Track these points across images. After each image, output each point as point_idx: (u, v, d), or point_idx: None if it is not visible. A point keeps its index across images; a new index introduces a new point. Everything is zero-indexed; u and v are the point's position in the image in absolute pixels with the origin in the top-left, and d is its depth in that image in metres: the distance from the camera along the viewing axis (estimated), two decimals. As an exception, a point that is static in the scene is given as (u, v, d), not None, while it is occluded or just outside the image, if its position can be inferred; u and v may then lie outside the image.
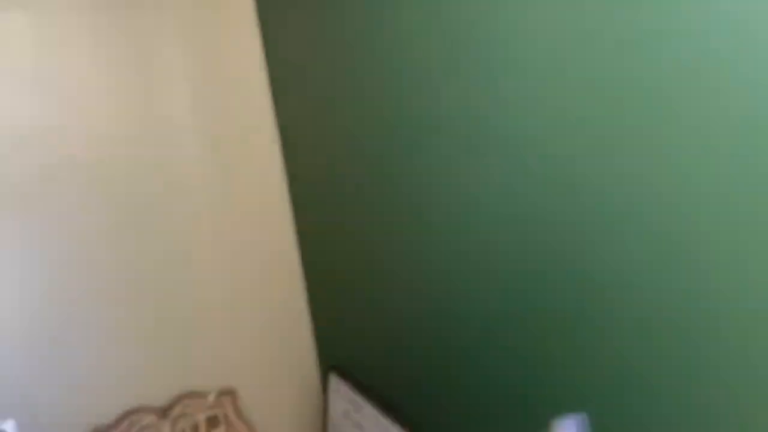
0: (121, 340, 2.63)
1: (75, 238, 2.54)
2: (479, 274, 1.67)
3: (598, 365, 1.37)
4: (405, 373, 2.18)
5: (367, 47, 1.97)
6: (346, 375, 2.66)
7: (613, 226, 1.31)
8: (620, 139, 1.27)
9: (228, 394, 2.78)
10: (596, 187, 1.31)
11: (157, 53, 2.62)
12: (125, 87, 2.59)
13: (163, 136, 2.66)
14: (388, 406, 2.32)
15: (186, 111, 2.68)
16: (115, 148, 2.59)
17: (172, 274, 2.70)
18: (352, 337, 2.56)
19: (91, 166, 2.55)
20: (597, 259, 1.33)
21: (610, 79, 1.26)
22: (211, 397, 2.75)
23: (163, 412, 2.68)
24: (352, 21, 2.03)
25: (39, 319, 2.50)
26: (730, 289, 1.16)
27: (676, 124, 1.18)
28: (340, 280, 2.56)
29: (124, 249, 2.62)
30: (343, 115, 2.22)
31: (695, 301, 1.23)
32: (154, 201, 2.65)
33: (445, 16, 1.56)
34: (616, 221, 1.31)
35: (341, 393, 2.64)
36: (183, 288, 2.72)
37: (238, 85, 2.77)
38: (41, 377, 2.52)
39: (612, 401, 1.35)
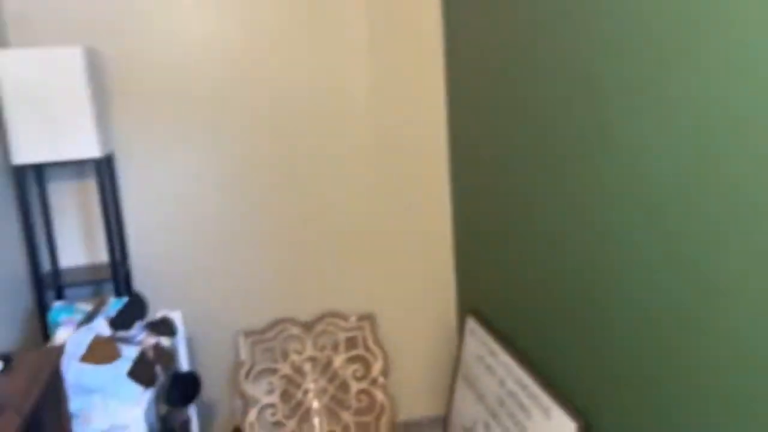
0: (279, 256, 2.82)
1: (246, 150, 2.73)
2: (634, 244, 1.58)
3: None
4: (543, 327, 2.15)
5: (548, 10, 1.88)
6: (483, 320, 2.68)
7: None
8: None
9: (368, 319, 2.90)
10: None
11: (336, -18, 2.68)
12: (305, 20, 2.68)
13: (338, 65, 2.74)
14: (523, 356, 2.31)
15: (362, 45, 2.73)
16: (292, 70, 2.71)
17: (334, 199, 2.82)
18: (493, 284, 2.56)
19: (267, 82, 2.70)
20: None
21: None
22: (352, 319, 2.89)
23: (308, 326, 2.86)
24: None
25: (212, 224, 2.74)
26: None
27: None
28: (488, 228, 2.55)
29: (288, 166, 2.77)
30: (513, 74, 2.16)
31: None
32: (321, 125, 2.76)
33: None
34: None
35: (477, 336, 2.67)
36: (341, 216, 2.84)
37: (413, 28, 2.77)
38: (207, 278, 2.77)
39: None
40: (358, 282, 2.91)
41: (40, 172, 2.52)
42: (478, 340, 2.65)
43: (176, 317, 2.22)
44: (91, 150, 2.29)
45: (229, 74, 2.65)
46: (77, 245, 2.63)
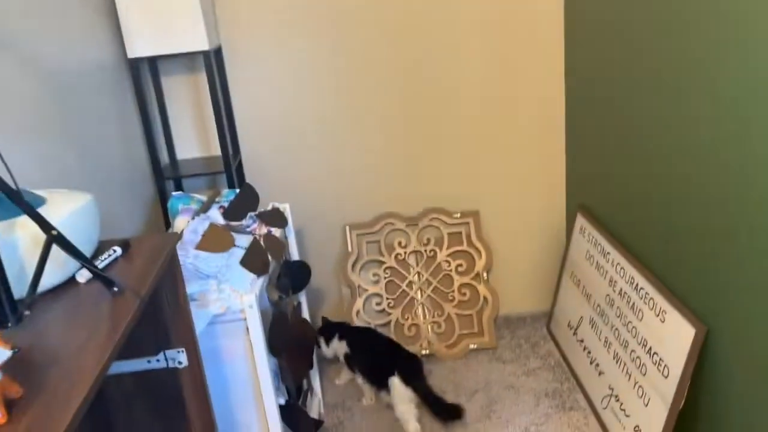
0: (385, 152, 2.80)
1: (356, 43, 2.66)
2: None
3: None
4: (659, 226, 2.02)
5: None
6: (594, 217, 2.57)
7: None
8: None
9: (472, 215, 2.86)
10: None
11: None
12: None
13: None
14: (636, 256, 2.21)
15: None
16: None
17: (443, 94, 2.73)
18: (605, 180, 2.42)
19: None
20: None
21: None
22: (456, 215, 2.87)
23: (413, 221, 2.87)
24: None
25: (321, 120, 2.74)
26: None
27: None
28: (601, 118, 2.38)
29: (398, 59, 2.69)
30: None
31: None
32: (438, 17, 2.63)
33: None
34: None
35: (587, 234, 2.57)
36: (449, 111, 2.76)
37: None
38: (315, 173, 2.81)
39: None
40: (463, 178, 2.86)
41: (154, 65, 2.59)
42: (588, 238, 2.56)
43: (286, 209, 2.28)
44: (200, 42, 2.30)
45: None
46: (192, 138, 2.73)
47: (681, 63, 1.82)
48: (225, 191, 2.20)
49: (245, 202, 2.09)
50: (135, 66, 2.33)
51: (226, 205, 2.07)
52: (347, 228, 2.86)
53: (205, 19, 2.31)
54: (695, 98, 1.76)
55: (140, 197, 2.33)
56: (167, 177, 2.49)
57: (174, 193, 2.17)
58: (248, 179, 2.79)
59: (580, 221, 2.66)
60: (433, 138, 2.79)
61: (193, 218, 1.99)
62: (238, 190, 2.13)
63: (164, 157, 2.69)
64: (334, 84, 2.70)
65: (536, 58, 2.71)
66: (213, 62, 2.37)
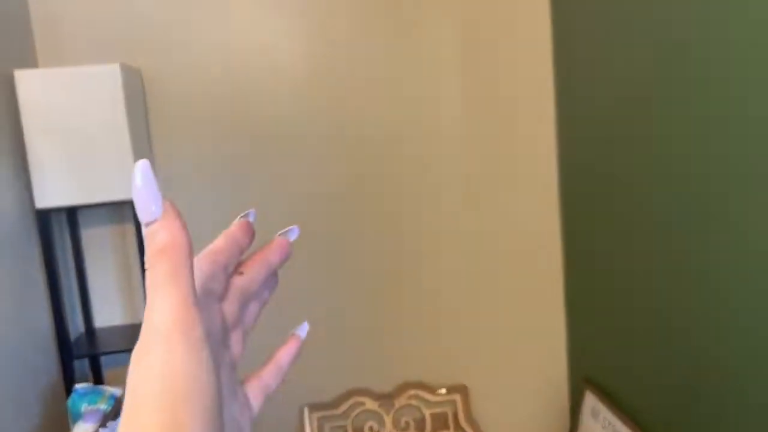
0: (352, 315, 2.33)
1: (312, 188, 2.27)
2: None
3: None
4: (684, 409, 1.60)
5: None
6: (606, 394, 2.11)
7: None
8: None
9: (459, 391, 2.37)
10: None
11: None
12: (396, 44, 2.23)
13: (426, 90, 2.27)
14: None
15: (454, 64, 2.25)
16: (371, 96, 2.25)
17: (419, 247, 2.33)
18: (618, 353, 2.01)
19: (338, 109, 2.25)
20: None
21: None
22: (441, 391, 2.37)
23: (388, 399, 2.35)
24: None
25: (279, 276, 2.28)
26: None
27: None
28: (609, 288, 2.01)
29: (362, 210, 2.30)
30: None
31: None
32: (405, 160, 2.28)
33: None
34: None
35: (601, 417, 2.11)
36: (427, 267, 2.34)
37: (516, 34, 2.28)
38: (265, 339, 2.31)
39: None
40: (446, 347, 2.39)
41: (71, 214, 2.13)
42: (604, 423, 2.09)
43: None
44: (127, 190, 1.87)
45: (293, 97, 2.22)
46: (116, 301, 2.21)
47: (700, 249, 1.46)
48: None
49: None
50: (44, 218, 1.86)
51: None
52: (305, 409, 2.32)
53: (137, 160, 1.89)
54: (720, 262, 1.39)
55: (37, 384, 1.77)
56: (77, 355, 1.94)
57: (78, 387, 1.62)
58: (184, 352, 2.25)
59: (591, 402, 2.20)
60: (409, 296, 2.35)
61: (100, 426, 1.44)
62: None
63: (79, 325, 2.16)
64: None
65: (527, 204, 2.36)
66: (144, 213, 1.92)
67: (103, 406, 1.55)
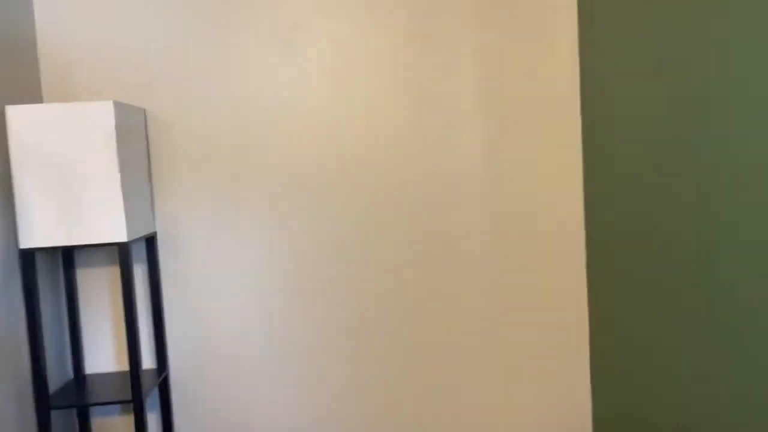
0: (368, 374, 2.15)
1: (324, 236, 2.13)
2: None
3: None
4: None
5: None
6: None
7: None
8: None
9: (471, 465, 2.15)
10: None
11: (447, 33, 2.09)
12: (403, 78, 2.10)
13: (446, 132, 2.12)
14: None
15: (473, 107, 2.10)
16: (385, 139, 2.11)
17: (440, 297, 2.15)
18: (648, 414, 1.75)
19: (351, 150, 2.11)
20: None
21: None
22: (449, 465, 2.15)
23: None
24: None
25: (278, 330, 2.13)
26: None
27: None
28: (645, 336, 1.77)
29: (377, 260, 2.14)
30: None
31: None
32: (424, 207, 2.12)
33: None
34: None
35: None
36: (445, 321, 2.16)
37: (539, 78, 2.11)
38: (272, 402, 2.15)
39: None
40: (456, 412, 2.17)
41: (66, 255, 2.05)
42: None
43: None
44: (117, 233, 1.77)
45: (304, 140, 2.10)
46: (108, 346, 2.11)
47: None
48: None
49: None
50: (27, 258, 1.78)
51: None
52: (302, 477, 2.14)
53: (128, 202, 1.80)
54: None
55: (5, 437, 1.66)
56: (56, 406, 1.83)
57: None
58: (174, 407, 2.12)
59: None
60: (429, 355, 2.16)
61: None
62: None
63: (67, 371, 2.06)
64: (297, 285, 2.12)
65: (552, 265, 2.15)
66: (131, 255, 1.82)
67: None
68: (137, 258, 2.10)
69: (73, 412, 2.09)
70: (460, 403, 2.17)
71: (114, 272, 2.10)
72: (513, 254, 2.14)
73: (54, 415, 1.96)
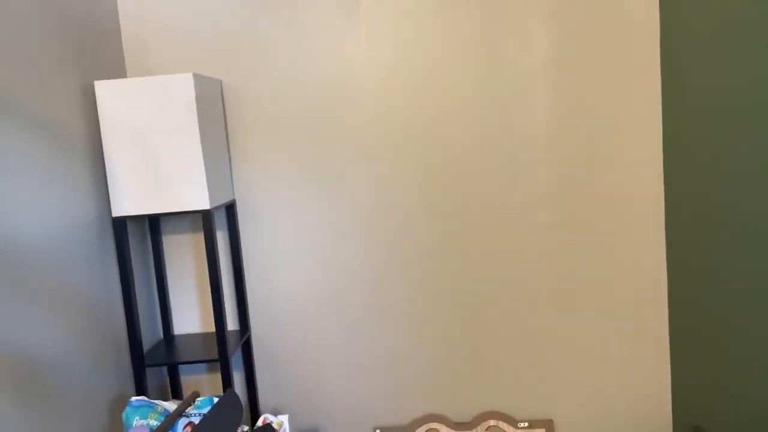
0: (430, 337, 2.20)
1: (398, 207, 2.16)
2: None
3: None
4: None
5: None
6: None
7: None
8: None
9: (544, 425, 2.17)
10: None
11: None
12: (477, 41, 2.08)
13: (516, 101, 2.10)
14: None
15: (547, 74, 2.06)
16: (456, 106, 2.11)
17: (506, 267, 2.16)
18: (732, 399, 1.72)
19: (424, 120, 2.12)
20: None
21: None
22: (522, 425, 2.18)
23: (464, 428, 2.19)
24: None
25: (350, 296, 2.20)
26: None
27: None
28: (723, 318, 1.73)
29: (447, 229, 2.16)
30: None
31: None
32: (495, 175, 2.12)
33: None
34: None
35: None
36: (513, 288, 2.16)
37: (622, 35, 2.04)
38: (340, 360, 2.22)
39: None
40: (532, 376, 2.19)
41: (152, 222, 2.16)
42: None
43: (283, 423, 1.69)
44: (200, 201, 1.86)
45: (374, 107, 2.12)
46: (195, 308, 2.23)
47: None
48: (199, 400, 1.63)
49: (223, 417, 1.51)
50: (120, 226, 1.89)
51: (196, 420, 1.50)
52: (378, 433, 2.22)
53: (210, 171, 1.88)
54: None
55: (109, 396, 1.80)
56: (150, 363, 1.96)
57: (133, 400, 1.62)
58: (256, 366, 2.23)
59: (696, 451, 1.92)
60: (490, 320, 2.18)
61: (145, 442, 1.42)
62: (215, 399, 1.56)
63: (158, 332, 2.19)
64: (368, 254, 2.17)
65: (628, 222, 2.12)
66: (214, 223, 1.91)
67: (153, 422, 1.53)
68: (219, 225, 2.19)
69: (164, 369, 2.23)
70: (528, 370, 2.19)
71: (197, 239, 2.20)
72: (584, 220, 2.11)
73: (148, 372, 2.10)
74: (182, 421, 1.52)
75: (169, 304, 2.22)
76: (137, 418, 1.54)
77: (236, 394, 1.55)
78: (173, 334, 2.23)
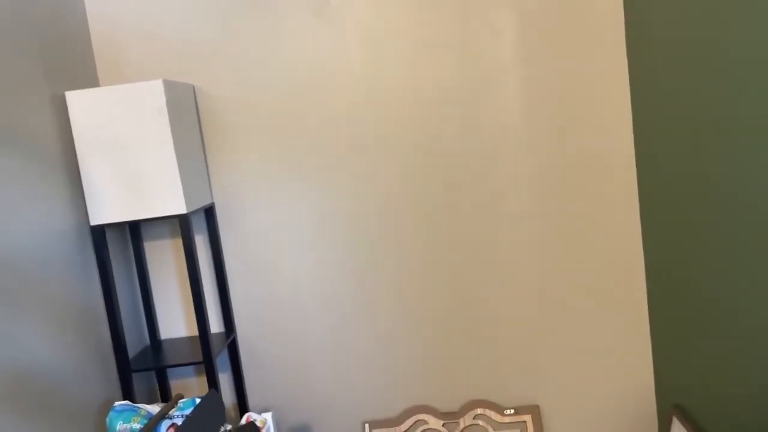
0: (416, 327, 2.22)
1: (377, 203, 2.18)
2: None
3: None
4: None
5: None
6: (696, 425, 1.86)
7: None
8: None
9: (530, 411, 2.20)
10: None
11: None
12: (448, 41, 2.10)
13: (491, 92, 2.12)
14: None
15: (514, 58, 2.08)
16: (433, 99, 2.13)
17: (489, 255, 2.18)
18: (711, 378, 1.75)
19: (399, 114, 2.14)
20: None
21: None
22: (509, 412, 2.21)
23: (452, 418, 2.22)
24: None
25: (333, 290, 2.22)
26: None
27: None
28: (700, 299, 1.75)
29: (430, 222, 2.18)
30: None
31: None
32: (474, 166, 2.14)
33: None
34: None
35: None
36: (498, 276, 2.19)
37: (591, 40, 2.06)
38: (326, 354, 2.25)
39: None
40: (517, 364, 2.22)
41: (133, 228, 2.18)
42: (693, 458, 1.83)
43: (267, 421, 1.71)
44: (176, 205, 1.88)
45: (346, 103, 2.14)
46: (179, 312, 2.25)
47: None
48: (182, 401, 1.66)
49: (205, 417, 1.53)
50: (98, 234, 1.91)
51: (179, 422, 1.52)
52: (366, 427, 2.24)
53: (184, 175, 1.89)
54: None
55: (96, 402, 1.81)
56: (137, 369, 1.98)
57: (116, 404, 1.63)
58: (244, 366, 2.25)
59: (677, 427, 1.94)
60: (474, 311, 2.20)
61: (128, 446, 1.44)
62: (197, 400, 1.58)
63: (144, 337, 2.21)
64: (350, 251, 2.19)
65: (605, 211, 2.14)
66: (191, 227, 1.92)
67: (137, 425, 1.55)
68: (198, 228, 2.21)
69: (152, 374, 2.25)
70: (513, 358, 2.21)
71: (178, 243, 2.22)
72: (565, 207, 2.13)
73: (135, 377, 2.12)
74: (165, 423, 1.54)
75: (155, 310, 2.23)
76: (120, 422, 1.56)
77: (218, 394, 1.57)
78: (160, 339, 2.25)
